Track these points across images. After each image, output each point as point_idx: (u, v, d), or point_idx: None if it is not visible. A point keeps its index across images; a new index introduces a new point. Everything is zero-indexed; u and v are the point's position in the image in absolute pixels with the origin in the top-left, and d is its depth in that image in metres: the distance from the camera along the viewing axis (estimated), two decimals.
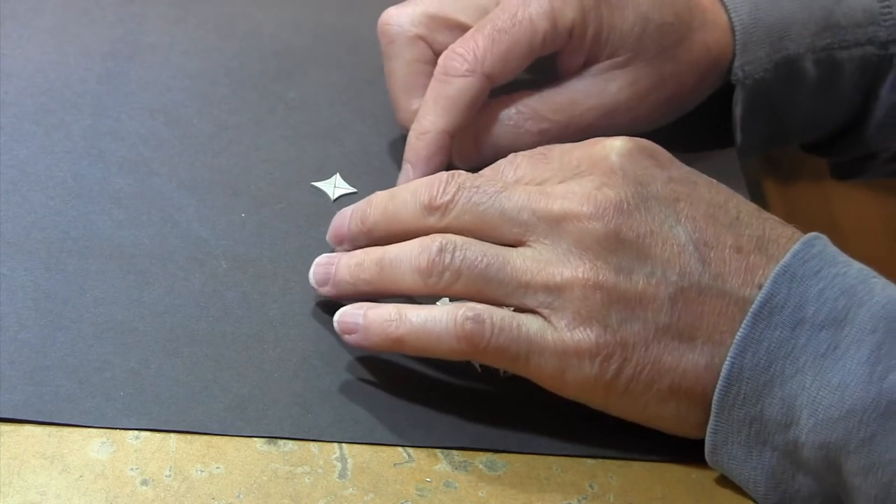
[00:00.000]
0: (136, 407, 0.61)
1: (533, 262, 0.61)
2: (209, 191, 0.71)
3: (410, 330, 0.61)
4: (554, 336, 0.61)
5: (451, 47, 0.70)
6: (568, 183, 0.62)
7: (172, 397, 0.62)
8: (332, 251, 0.67)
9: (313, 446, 0.61)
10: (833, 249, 0.61)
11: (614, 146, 0.63)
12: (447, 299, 0.65)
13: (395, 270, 0.63)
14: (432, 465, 0.61)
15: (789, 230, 0.62)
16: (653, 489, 0.62)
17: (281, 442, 0.61)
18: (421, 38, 0.72)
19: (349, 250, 0.66)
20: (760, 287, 0.60)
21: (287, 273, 0.68)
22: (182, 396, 0.62)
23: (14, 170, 0.70)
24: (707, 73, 0.74)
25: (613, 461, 0.63)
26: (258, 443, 0.61)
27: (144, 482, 0.58)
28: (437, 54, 0.71)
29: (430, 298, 0.64)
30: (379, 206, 0.65)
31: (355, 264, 0.64)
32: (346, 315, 0.63)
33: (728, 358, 0.60)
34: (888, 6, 0.75)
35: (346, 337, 0.63)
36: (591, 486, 0.62)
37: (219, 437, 0.61)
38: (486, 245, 0.62)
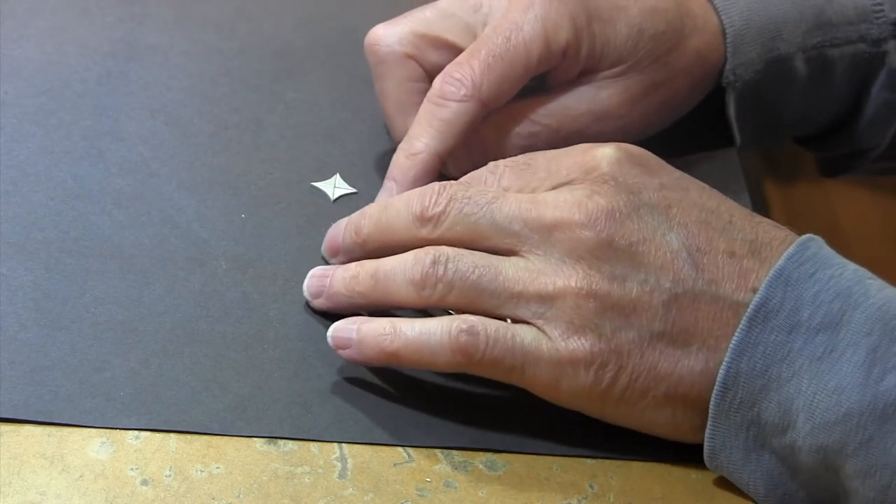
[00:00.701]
0: (136, 407, 0.61)
1: (525, 272, 0.61)
2: (209, 191, 0.71)
3: (405, 344, 0.61)
4: (548, 346, 0.61)
5: (447, 71, 0.70)
6: (559, 191, 0.62)
7: (172, 397, 0.62)
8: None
9: (313, 446, 0.61)
10: (828, 251, 0.61)
11: (605, 154, 0.63)
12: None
13: (390, 283, 0.63)
14: (432, 465, 0.61)
15: (782, 233, 0.62)
16: (653, 489, 0.62)
17: (281, 442, 0.61)
18: (410, 56, 0.71)
19: (344, 262, 0.66)
20: (755, 291, 0.60)
21: (287, 273, 0.68)
22: (182, 396, 0.62)
23: (14, 170, 0.70)
24: (699, 78, 0.74)
25: (613, 461, 0.63)
26: (258, 443, 0.61)
27: (144, 482, 0.58)
28: (426, 72, 0.71)
29: (425, 312, 0.64)
30: (373, 217, 0.65)
31: (350, 277, 0.64)
32: (340, 330, 0.63)
33: (724, 362, 0.60)
34: (880, 4, 0.75)
35: (340, 352, 0.63)
36: (591, 486, 0.62)
37: (219, 437, 0.61)
38: (479, 255, 0.62)
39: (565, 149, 0.65)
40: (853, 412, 0.58)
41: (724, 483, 0.63)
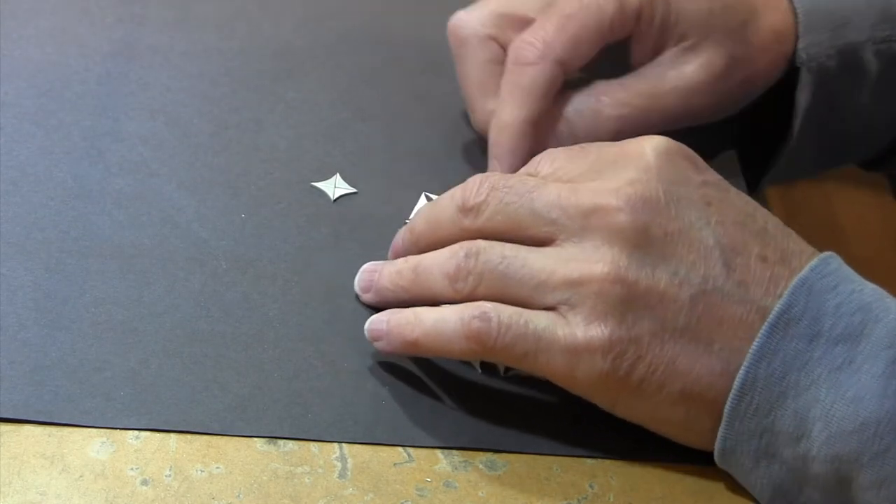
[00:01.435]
0: (136, 407, 0.61)
1: (554, 260, 0.61)
2: (209, 191, 0.71)
3: (424, 332, 0.62)
4: (565, 331, 0.60)
5: (520, 37, 0.70)
6: (600, 179, 0.62)
7: (172, 397, 0.62)
8: (332, 252, 0.67)
9: (313, 446, 0.61)
10: (848, 269, 0.61)
11: (651, 144, 0.63)
12: None
13: (429, 277, 0.63)
14: (432, 465, 0.61)
15: (810, 248, 0.62)
16: (653, 489, 0.62)
17: (281, 442, 0.61)
18: (492, 38, 0.72)
19: None
20: (780, 298, 0.60)
21: (287, 273, 0.68)
22: (182, 396, 0.62)
23: (14, 170, 0.70)
24: (778, 56, 0.74)
25: (613, 461, 0.63)
26: (258, 443, 0.61)
27: (144, 482, 0.58)
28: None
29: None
30: (423, 213, 0.66)
31: (395, 272, 0.65)
32: (374, 322, 0.64)
33: (743, 367, 0.59)
34: None
35: (375, 344, 0.63)
36: (591, 486, 0.62)
37: (219, 437, 0.61)
38: (508, 247, 0.62)
39: (619, 142, 0.65)
40: (870, 422, 0.57)
41: (724, 483, 0.63)
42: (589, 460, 0.63)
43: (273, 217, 0.70)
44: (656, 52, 0.72)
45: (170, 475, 0.59)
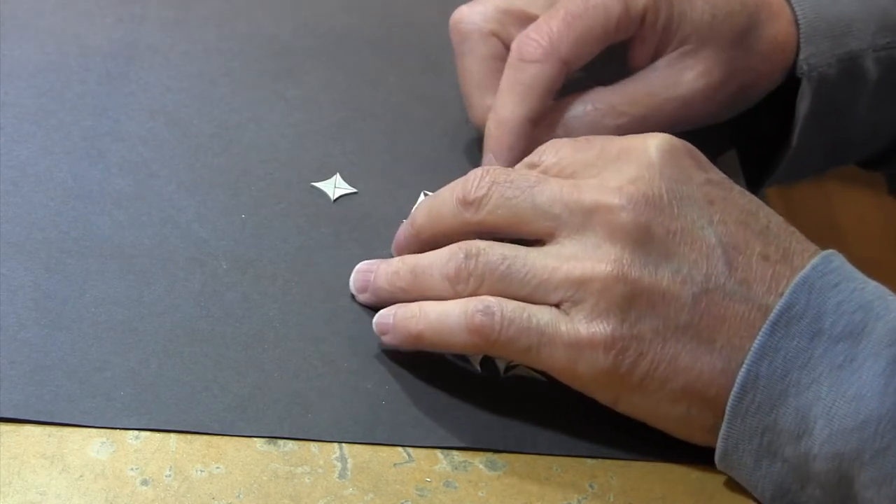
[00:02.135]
0: (136, 407, 0.61)
1: (555, 258, 0.61)
2: (209, 191, 0.71)
3: (428, 325, 0.62)
4: (567, 327, 0.61)
5: (524, 32, 0.70)
6: (602, 175, 0.62)
7: (172, 397, 0.61)
8: (332, 252, 0.67)
9: (313, 446, 0.61)
10: (850, 267, 0.61)
11: (654, 142, 0.63)
12: None
13: (428, 278, 0.63)
14: (432, 465, 0.61)
15: (813, 246, 0.62)
16: (653, 489, 0.62)
17: (281, 442, 0.61)
18: (494, 33, 0.72)
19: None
20: (782, 296, 0.60)
21: (287, 273, 0.68)
22: (182, 396, 0.62)
23: (14, 170, 0.70)
24: (777, 65, 0.74)
25: (613, 461, 0.63)
26: (258, 443, 0.61)
27: (144, 482, 0.58)
28: (509, 50, 0.71)
29: None
30: (424, 207, 0.66)
31: (392, 272, 0.65)
32: (381, 316, 0.64)
33: (744, 365, 0.60)
34: None
35: (382, 338, 0.64)
36: (591, 486, 0.62)
37: (219, 437, 0.61)
38: (509, 246, 0.62)
39: (624, 136, 0.65)
40: (872, 419, 0.57)
41: (724, 483, 0.63)
42: (589, 460, 0.63)
43: (273, 217, 0.70)
44: (656, 54, 0.72)
45: (170, 475, 0.59)
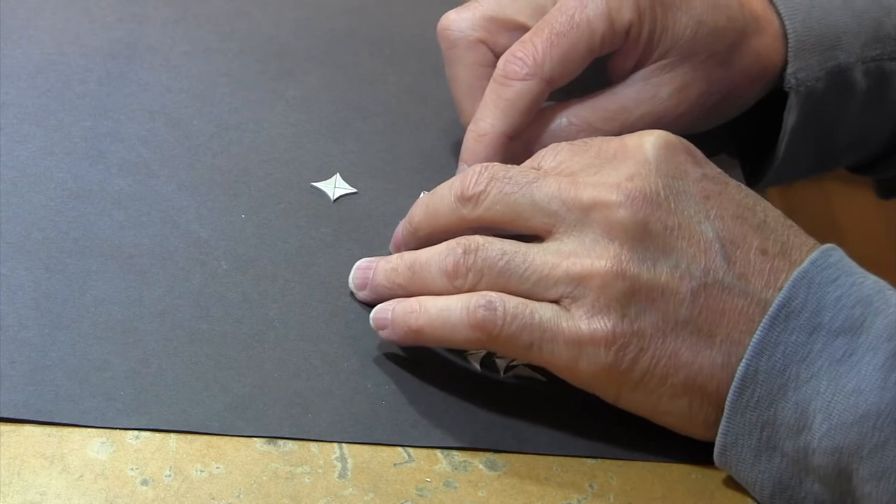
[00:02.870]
0: (136, 407, 0.61)
1: (555, 254, 0.61)
2: (209, 191, 0.71)
3: (429, 320, 0.62)
4: (569, 324, 0.61)
5: (510, 50, 0.70)
6: (600, 174, 0.63)
7: (172, 397, 0.61)
8: (332, 252, 0.67)
9: (313, 446, 0.61)
10: (849, 261, 0.62)
11: (650, 139, 0.63)
12: None
13: (426, 274, 0.63)
14: (432, 465, 0.61)
15: (811, 240, 0.63)
16: (653, 489, 0.62)
17: (281, 442, 0.61)
18: (482, 41, 0.72)
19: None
20: (781, 290, 0.60)
21: (287, 273, 0.68)
22: (182, 396, 0.62)
23: (14, 170, 0.70)
24: (756, 79, 0.74)
25: (613, 461, 0.63)
26: (258, 443, 0.61)
27: (144, 482, 0.58)
28: (497, 56, 0.72)
29: None
30: (421, 204, 0.66)
31: (391, 269, 0.65)
32: (379, 311, 0.64)
33: (744, 360, 0.60)
34: None
35: (380, 333, 0.64)
36: (591, 486, 0.62)
37: (219, 437, 0.61)
38: (508, 242, 0.62)
39: (619, 136, 0.65)
40: (870, 414, 0.58)
41: (724, 483, 0.63)
42: (589, 460, 0.63)
43: (273, 217, 0.70)
44: (637, 66, 0.72)
45: (170, 475, 0.59)
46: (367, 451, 0.61)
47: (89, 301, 0.64)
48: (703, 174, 0.63)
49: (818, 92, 0.74)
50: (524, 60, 0.70)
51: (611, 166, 0.63)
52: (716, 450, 0.61)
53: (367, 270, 0.66)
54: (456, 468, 0.62)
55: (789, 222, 0.63)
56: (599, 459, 0.63)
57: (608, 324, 0.60)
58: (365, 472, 0.60)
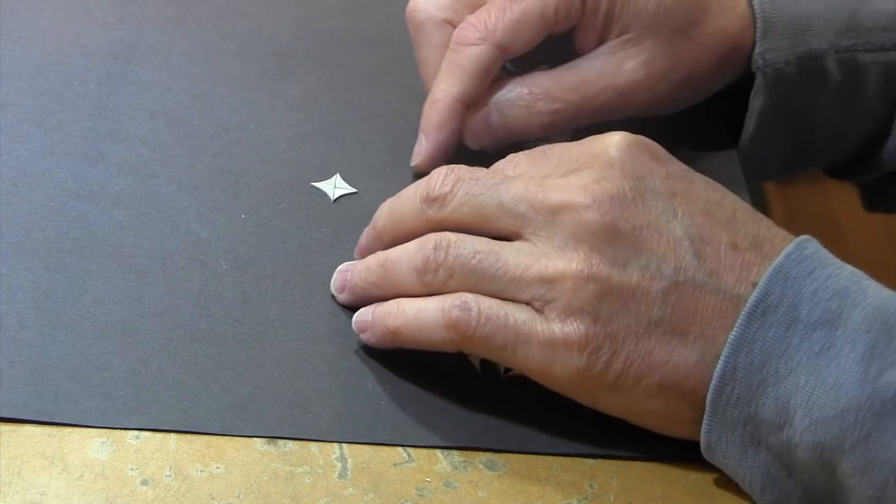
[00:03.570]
0: (136, 407, 0.61)
1: (527, 255, 0.61)
2: (209, 192, 0.71)
3: (405, 321, 0.62)
4: (543, 327, 0.61)
5: (465, 19, 0.71)
6: (567, 176, 0.63)
7: (172, 397, 0.62)
8: (332, 252, 0.68)
9: (313, 446, 0.61)
10: (824, 252, 0.61)
11: (613, 140, 0.63)
12: None
13: (396, 271, 0.63)
14: (432, 465, 0.61)
15: (782, 232, 0.62)
16: (653, 489, 0.62)
17: (281, 442, 0.61)
18: (448, 21, 0.72)
19: None
20: (755, 285, 0.60)
21: (287, 273, 0.68)
22: (182, 396, 0.62)
23: (14, 170, 0.70)
24: (725, 57, 0.74)
25: (613, 461, 0.63)
26: (258, 443, 0.61)
27: (144, 482, 0.58)
28: None
29: None
30: (385, 208, 0.66)
31: (365, 269, 0.65)
32: (360, 314, 0.64)
33: (722, 357, 0.60)
34: None
35: (361, 336, 0.64)
36: (591, 486, 0.62)
37: (219, 437, 0.61)
38: (480, 240, 0.62)
39: (580, 140, 0.65)
40: (851, 408, 0.57)
41: (723, 483, 0.63)
42: (589, 460, 0.63)
43: (273, 217, 0.70)
44: (600, 41, 0.72)
45: (170, 475, 0.59)
46: (367, 451, 0.61)
47: (89, 301, 0.64)
48: (668, 172, 0.63)
49: (789, 77, 0.74)
50: (476, 26, 0.70)
51: (576, 170, 0.63)
52: (702, 447, 0.61)
53: (345, 273, 0.66)
54: (456, 468, 0.62)
55: (759, 215, 0.63)
56: (599, 459, 0.63)
57: (581, 327, 0.60)
58: (365, 472, 0.60)
